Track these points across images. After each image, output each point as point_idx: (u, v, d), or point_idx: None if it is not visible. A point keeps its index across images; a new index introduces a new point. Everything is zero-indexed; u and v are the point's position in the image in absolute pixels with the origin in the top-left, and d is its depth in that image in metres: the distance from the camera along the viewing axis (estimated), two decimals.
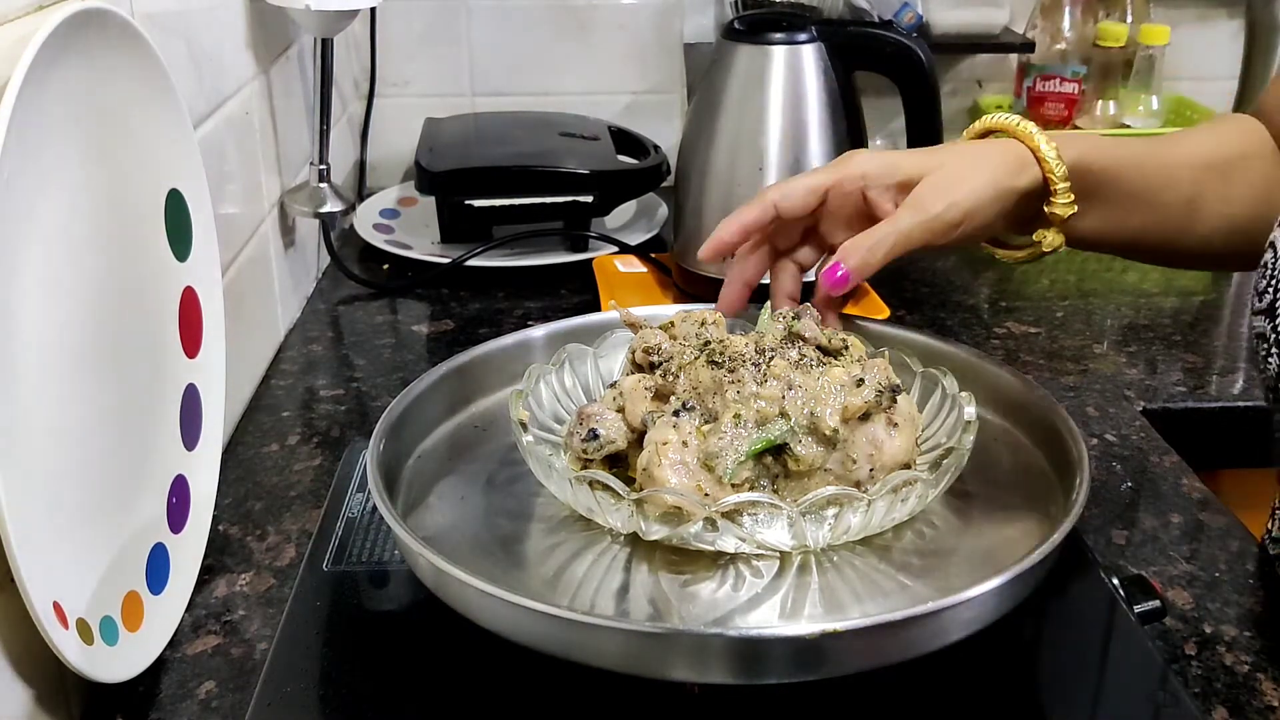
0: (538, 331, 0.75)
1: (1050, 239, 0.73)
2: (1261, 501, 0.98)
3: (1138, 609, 0.62)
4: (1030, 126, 0.72)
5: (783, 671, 0.51)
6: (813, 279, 0.71)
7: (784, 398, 0.58)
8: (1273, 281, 0.65)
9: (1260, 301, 0.66)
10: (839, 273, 0.67)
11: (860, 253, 0.67)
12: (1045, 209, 0.72)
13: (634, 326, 0.68)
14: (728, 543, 0.57)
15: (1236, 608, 0.67)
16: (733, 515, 0.56)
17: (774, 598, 0.56)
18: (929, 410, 0.67)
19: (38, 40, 0.51)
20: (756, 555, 0.58)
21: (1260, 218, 0.75)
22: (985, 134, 0.76)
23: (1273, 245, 0.66)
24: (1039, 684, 0.60)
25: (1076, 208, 0.72)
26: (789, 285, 0.74)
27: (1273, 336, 0.65)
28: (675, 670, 0.51)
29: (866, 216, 0.71)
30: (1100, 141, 0.74)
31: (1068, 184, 0.71)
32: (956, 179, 0.69)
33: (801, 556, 0.58)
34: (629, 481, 0.59)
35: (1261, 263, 0.67)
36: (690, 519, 0.56)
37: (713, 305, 0.72)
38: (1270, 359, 0.66)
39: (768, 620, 0.54)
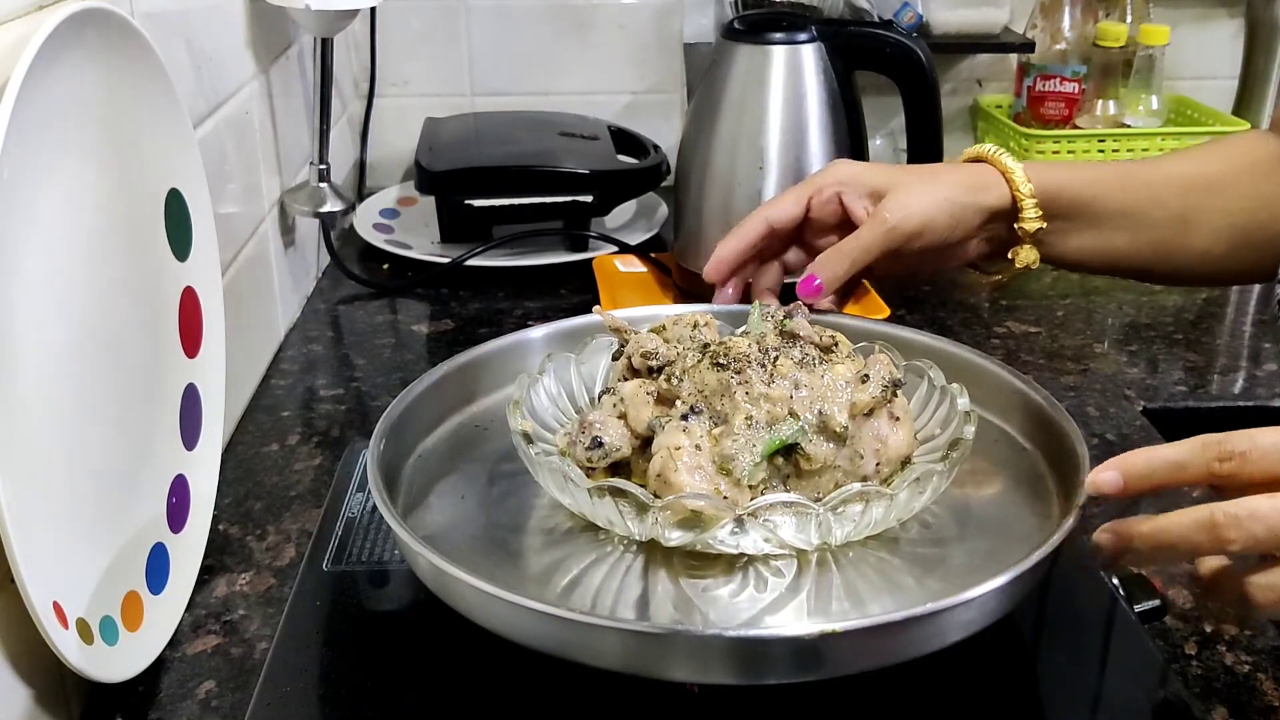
0: (537, 331, 0.75)
1: (1023, 255, 0.78)
2: None
3: (1138, 608, 0.62)
4: (1003, 153, 0.78)
5: (782, 672, 0.51)
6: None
7: (792, 397, 0.58)
8: None
9: None
10: (814, 283, 0.75)
11: (830, 265, 0.75)
12: (1015, 225, 0.77)
13: (619, 332, 0.68)
14: (749, 544, 0.57)
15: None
16: (757, 515, 0.56)
17: (798, 597, 0.56)
18: (917, 402, 0.67)
19: (38, 40, 0.51)
20: (774, 556, 0.58)
21: (1263, 225, 0.77)
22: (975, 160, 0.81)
23: None
24: (1039, 684, 0.60)
25: (1046, 224, 0.76)
26: (770, 281, 0.81)
27: None
28: (675, 670, 0.51)
29: (844, 221, 0.78)
30: (1078, 166, 0.80)
31: (1034, 200, 0.76)
32: (916, 194, 0.76)
33: (817, 554, 0.58)
34: None
35: None
36: (710, 523, 0.56)
37: (704, 307, 0.75)
38: None
39: (798, 619, 0.55)
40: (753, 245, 0.79)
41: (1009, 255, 0.78)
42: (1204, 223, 0.78)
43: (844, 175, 0.78)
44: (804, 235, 0.80)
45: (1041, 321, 1.06)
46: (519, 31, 1.40)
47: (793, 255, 0.82)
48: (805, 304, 0.72)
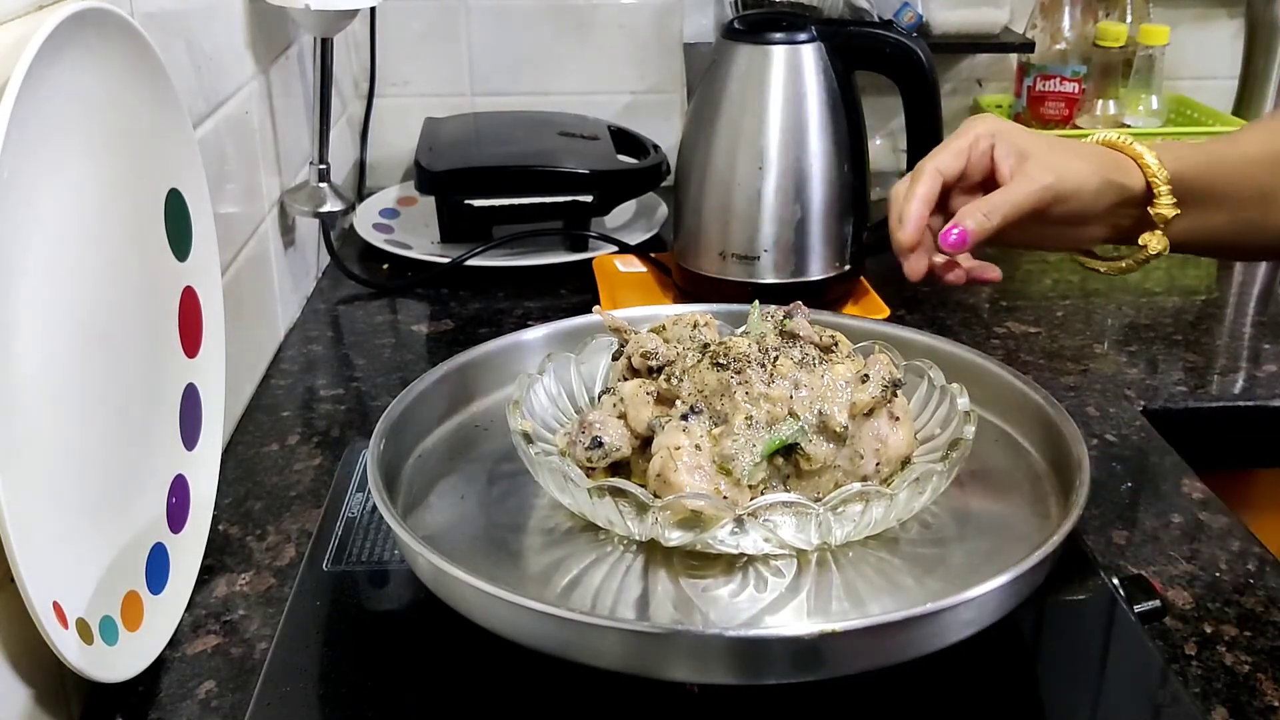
0: (537, 331, 0.75)
1: (1155, 243, 0.76)
2: (1261, 501, 0.98)
3: (1138, 609, 0.62)
4: (1130, 138, 0.76)
5: (782, 672, 0.51)
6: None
7: (791, 397, 0.58)
8: None
9: None
10: (954, 233, 0.72)
11: (977, 216, 0.72)
12: (1150, 210, 0.75)
13: (619, 332, 0.68)
14: (749, 544, 0.57)
15: (1236, 608, 0.67)
16: (756, 515, 0.56)
17: (798, 597, 0.56)
18: (917, 402, 0.67)
19: (38, 40, 0.51)
20: (774, 556, 0.58)
21: None
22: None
23: None
24: (1039, 684, 0.60)
25: (1180, 210, 0.75)
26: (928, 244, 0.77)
27: None
28: (675, 670, 0.51)
29: (989, 179, 0.76)
30: (1178, 146, 0.77)
31: (1169, 186, 0.74)
32: (1065, 159, 0.74)
33: (818, 554, 0.58)
34: None
35: None
36: (710, 523, 0.56)
37: (704, 307, 0.73)
38: None
39: (797, 619, 0.55)
40: (934, 200, 0.75)
41: (1140, 241, 0.77)
42: None
43: (994, 128, 0.76)
44: (947, 193, 0.77)
45: (1041, 322, 1.06)
46: (519, 31, 1.40)
47: (935, 220, 0.78)
48: (950, 252, 0.72)
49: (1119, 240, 0.78)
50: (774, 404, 0.58)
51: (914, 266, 0.76)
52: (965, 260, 0.76)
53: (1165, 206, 0.75)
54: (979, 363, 0.72)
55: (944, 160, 0.76)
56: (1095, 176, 0.74)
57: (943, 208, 0.77)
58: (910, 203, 0.75)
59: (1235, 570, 0.71)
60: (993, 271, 0.77)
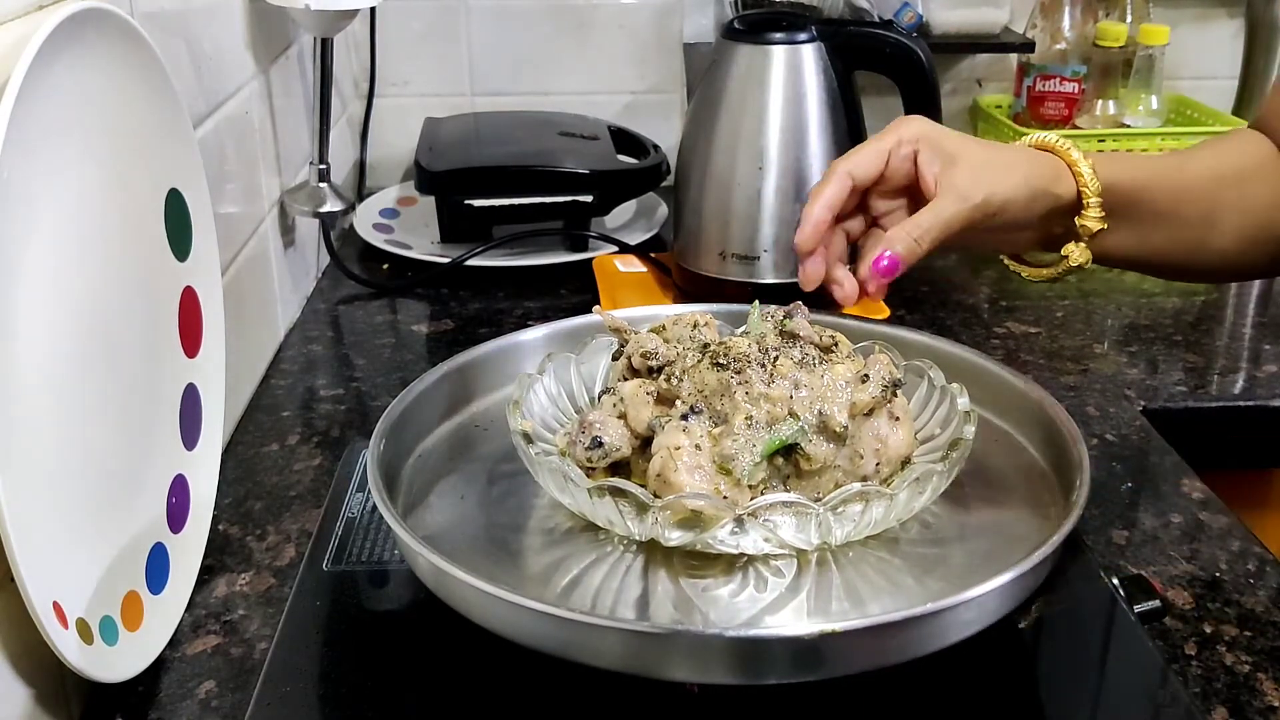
0: (537, 331, 0.75)
1: (1077, 254, 0.75)
2: (1261, 502, 0.98)
3: (1138, 609, 0.62)
4: (1068, 143, 0.74)
5: (782, 672, 0.51)
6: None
7: (791, 397, 0.58)
8: None
9: None
10: (884, 260, 0.69)
11: (906, 240, 0.69)
12: (1076, 221, 0.74)
13: (619, 332, 0.68)
14: (749, 544, 0.57)
15: (1236, 608, 0.67)
16: (756, 515, 0.56)
17: (798, 596, 0.56)
18: (917, 402, 0.67)
19: (38, 40, 0.51)
20: (774, 555, 0.58)
21: (1274, 224, 0.76)
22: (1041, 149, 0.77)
23: None
24: (1039, 684, 0.60)
25: (1106, 223, 0.73)
26: (840, 249, 0.75)
27: None
28: (675, 670, 0.51)
29: (912, 185, 0.73)
30: (1125, 159, 0.76)
31: (1099, 198, 0.73)
32: (995, 172, 0.71)
33: (818, 554, 0.58)
34: None
35: None
36: (710, 523, 0.56)
37: (704, 307, 0.73)
38: None
39: (797, 619, 0.55)
40: (839, 204, 0.72)
41: (1062, 252, 0.75)
42: (1225, 220, 0.76)
43: (919, 132, 0.73)
44: (867, 196, 0.75)
45: (1041, 322, 1.06)
46: (519, 31, 1.40)
47: (854, 224, 0.76)
48: (880, 280, 0.69)
49: (1051, 246, 0.77)
50: (774, 404, 0.58)
51: (808, 273, 0.73)
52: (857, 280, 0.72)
53: (1092, 219, 0.73)
54: (979, 363, 0.72)
55: (858, 162, 0.72)
56: (1026, 187, 0.71)
57: (863, 209, 0.75)
58: (812, 204, 0.72)
59: (1235, 570, 0.71)
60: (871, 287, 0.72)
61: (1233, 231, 0.77)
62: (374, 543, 0.69)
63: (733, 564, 0.58)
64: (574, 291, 1.12)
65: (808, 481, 0.59)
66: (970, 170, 0.71)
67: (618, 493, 0.57)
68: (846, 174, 0.72)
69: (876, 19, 1.28)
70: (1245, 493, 0.88)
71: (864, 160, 0.72)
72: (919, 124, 0.73)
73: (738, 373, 0.59)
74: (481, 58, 1.42)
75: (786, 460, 0.59)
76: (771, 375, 0.59)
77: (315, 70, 1.02)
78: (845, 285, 0.73)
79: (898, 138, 0.72)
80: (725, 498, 0.56)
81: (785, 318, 0.65)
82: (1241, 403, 0.94)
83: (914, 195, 0.74)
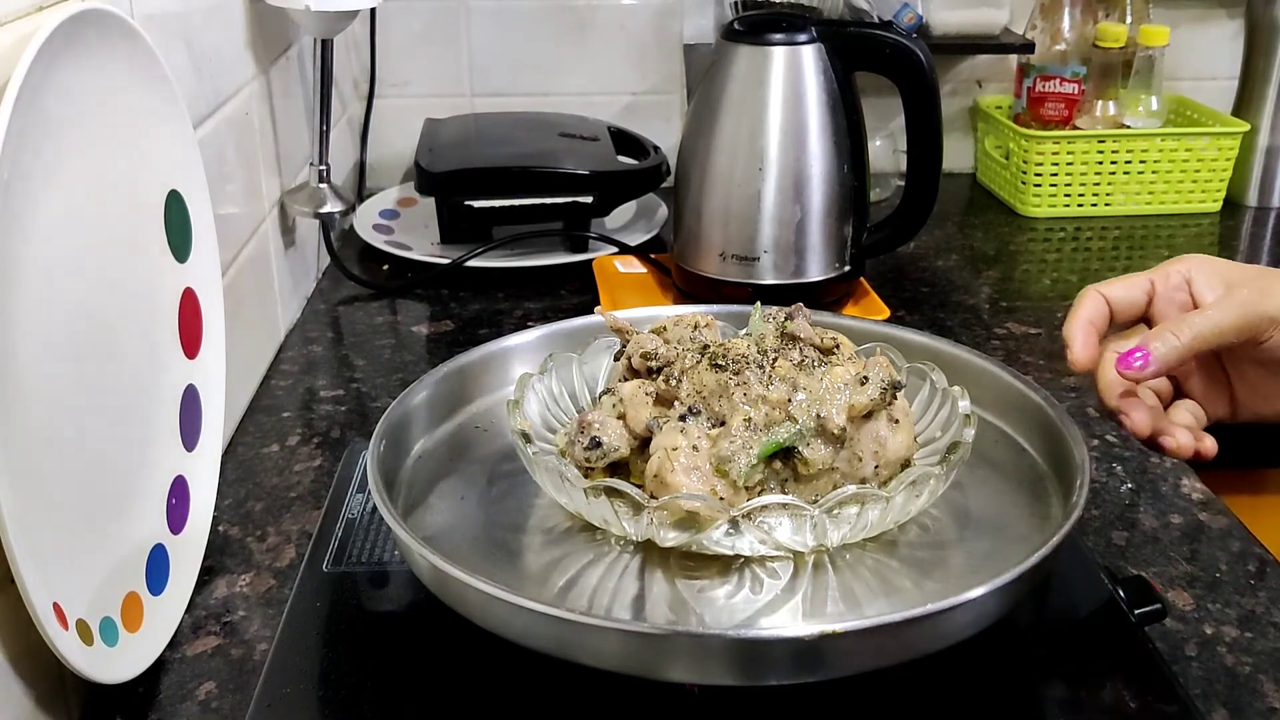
0: (537, 332, 0.75)
1: None
2: (1261, 501, 0.98)
3: (1138, 610, 0.62)
4: None
5: (782, 673, 0.51)
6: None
7: (789, 400, 0.58)
8: None
9: None
10: (1136, 358, 0.61)
11: (1164, 334, 0.61)
12: None
13: (621, 332, 0.68)
14: (745, 545, 0.57)
15: (1237, 608, 0.67)
16: (751, 517, 0.56)
17: (794, 598, 0.56)
18: (918, 405, 0.67)
19: (38, 40, 0.51)
20: (770, 557, 0.58)
21: None
22: None
23: None
24: (1039, 684, 0.60)
25: None
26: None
27: None
28: (674, 671, 0.51)
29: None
30: None
31: None
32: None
33: (814, 556, 0.58)
34: None
35: None
36: (706, 523, 0.56)
37: (705, 308, 0.72)
38: None
39: (793, 621, 0.55)
40: (1097, 318, 0.65)
41: None
42: None
43: (1194, 262, 0.65)
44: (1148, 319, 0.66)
45: (1041, 323, 1.06)
46: (519, 32, 1.40)
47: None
48: (1121, 374, 0.61)
49: None
50: (772, 406, 0.58)
51: (1135, 425, 0.63)
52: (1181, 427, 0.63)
53: None
54: (979, 364, 0.72)
55: (1113, 286, 0.65)
56: None
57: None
58: (1071, 324, 0.64)
59: (1235, 571, 0.71)
60: (1207, 443, 0.64)
61: None
62: (374, 544, 0.69)
63: (729, 565, 0.58)
64: (574, 292, 1.12)
65: (806, 485, 0.59)
66: (1257, 287, 0.62)
67: (613, 493, 0.57)
68: (1098, 293, 0.65)
69: (876, 20, 1.28)
70: (1246, 493, 0.87)
71: (1121, 284, 0.66)
72: (1194, 256, 0.66)
73: (736, 374, 0.59)
74: (481, 58, 1.42)
75: (785, 464, 0.59)
76: (770, 377, 0.59)
77: (315, 71, 1.02)
78: (1179, 437, 0.64)
79: (1166, 268, 0.65)
80: (721, 499, 0.56)
81: (786, 319, 0.65)
82: None
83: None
